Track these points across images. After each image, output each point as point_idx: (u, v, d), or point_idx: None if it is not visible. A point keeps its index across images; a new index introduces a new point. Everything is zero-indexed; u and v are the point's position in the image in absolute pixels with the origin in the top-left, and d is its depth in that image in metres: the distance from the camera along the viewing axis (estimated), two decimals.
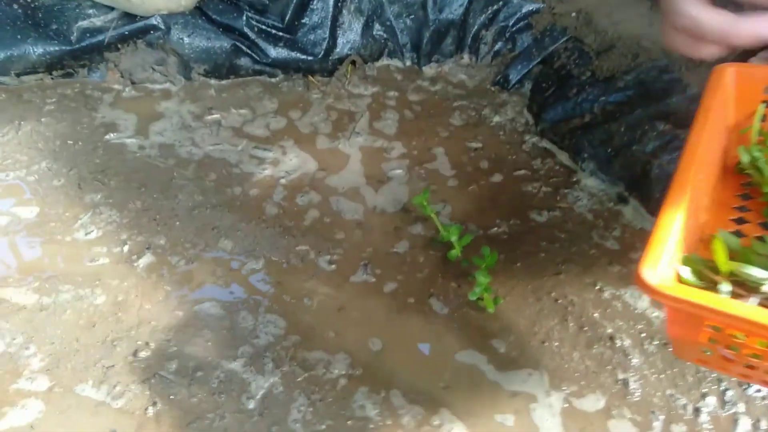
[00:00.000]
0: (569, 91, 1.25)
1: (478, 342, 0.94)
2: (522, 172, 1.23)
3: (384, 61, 1.44)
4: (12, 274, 0.95)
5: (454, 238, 1.02)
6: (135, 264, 0.99)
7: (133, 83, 1.31)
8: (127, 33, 1.25)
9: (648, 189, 1.11)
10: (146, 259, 1.00)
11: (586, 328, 0.96)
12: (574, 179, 1.21)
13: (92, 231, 1.03)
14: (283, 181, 1.16)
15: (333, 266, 1.02)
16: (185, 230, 1.05)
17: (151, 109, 1.27)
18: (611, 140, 1.17)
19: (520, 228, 1.12)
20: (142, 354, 0.87)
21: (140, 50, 1.29)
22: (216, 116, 1.27)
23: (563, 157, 1.26)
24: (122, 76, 1.30)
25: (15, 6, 1.23)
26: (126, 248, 1.01)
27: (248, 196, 1.12)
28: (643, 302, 1.00)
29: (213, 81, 1.34)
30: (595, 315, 0.98)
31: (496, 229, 1.11)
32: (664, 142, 1.10)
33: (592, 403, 0.88)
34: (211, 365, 0.87)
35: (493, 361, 0.92)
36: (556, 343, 0.94)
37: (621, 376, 0.91)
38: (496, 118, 1.34)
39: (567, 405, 0.88)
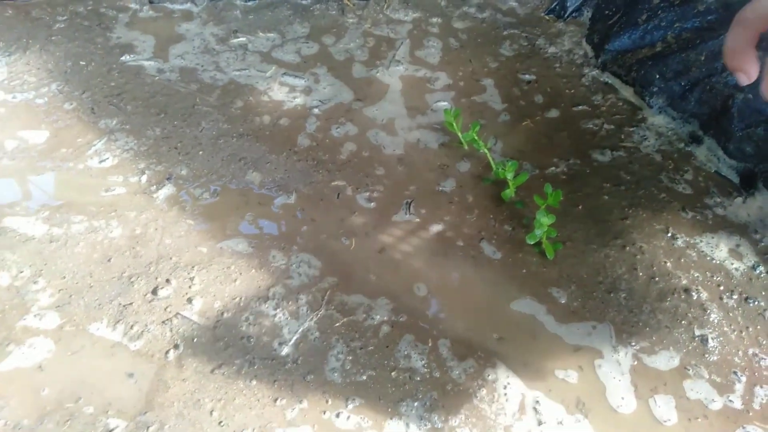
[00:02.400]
0: (638, 17, 1.11)
1: (535, 290, 0.84)
2: (581, 107, 1.10)
3: None
4: (19, 201, 0.86)
5: (509, 176, 0.91)
6: (154, 195, 0.89)
7: (151, 2, 1.19)
8: None
9: (727, 126, 0.98)
10: (166, 190, 0.90)
11: (657, 279, 0.85)
12: (640, 116, 1.08)
13: (107, 158, 0.93)
14: (316, 110, 1.04)
15: (372, 204, 0.92)
16: (209, 160, 0.94)
17: (171, 30, 1.15)
18: (687, 71, 1.03)
19: (580, 168, 1.00)
20: (163, 292, 0.78)
21: None
22: (242, 40, 1.15)
23: (627, 92, 1.12)
24: None
25: None
26: (144, 178, 0.91)
27: (278, 125, 1.01)
28: (721, 252, 0.89)
29: (238, 2, 1.21)
30: (668, 264, 0.87)
31: (553, 168, 1.00)
32: None
33: (665, 360, 0.78)
34: (238, 306, 0.78)
35: (552, 311, 0.82)
36: (624, 294, 0.84)
37: (698, 332, 0.80)
38: (551, 49, 1.20)
39: (636, 362, 0.78)
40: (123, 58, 1.08)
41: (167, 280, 0.80)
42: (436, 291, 0.83)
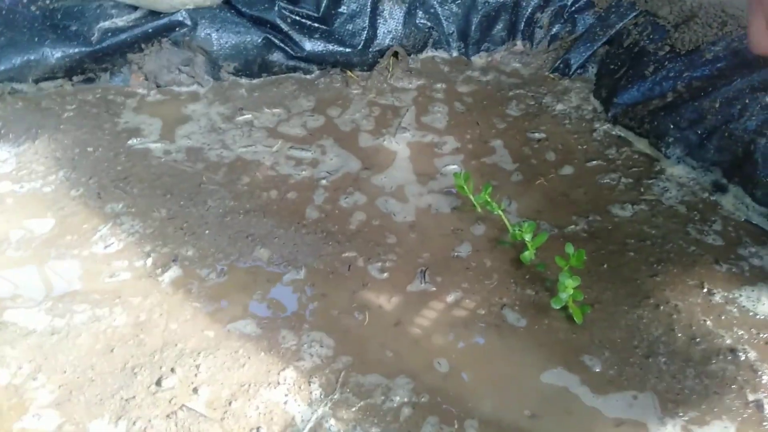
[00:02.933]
0: (645, 69, 1.10)
1: (566, 359, 0.78)
2: (595, 162, 1.07)
3: (428, 52, 1.31)
4: (22, 293, 0.83)
5: (527, 237, 0.87)
6: (159, 278, 0.86)
7: (158, 86, 1.21)
8: (151, 31, 1.16)
9: (752, 173, 0.94)
10: (172, 273, 0.87)
11: (698, 339, 0.79)
12: (657, 168, 1.05)
13: (112, 243, 0.90)
14: (323, 182, 1.02)
15: (386, 274, 0.88)
16: (216, 239, 0.92)
17: (178, 112, 1.16)
18: (702, 120, 1.00)
19: (601, 225, 0.95)
20: (167, 382, 0.74)
21: (165, 50, 1.19)
22: (248, 117, 1.15)
23: (642, 144, 1.09)
24: (146, 79, 1.20)
25: (32, 8, 1.14)
26: (149, 261, 0.88)
27: (286, 199, 0.99)
28: (764, 306, 0.83)
29: (244, 80, 1.22)
30: (708, 323, 0.81)
31: (573, 227, 0.95)
32: None
33: None
34: (248, 394, 0.73)
35: (587, 381, 0.75)
36: (664, 359, 0.77)
37: (751, 396, 0.73)
38: (559, 107, 1.19)
39: None
40: (130, 141, 1.08)
41: (172, 369, 0.75)
42: (458, 365, 0.77)
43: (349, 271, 0.88)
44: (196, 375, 0.74)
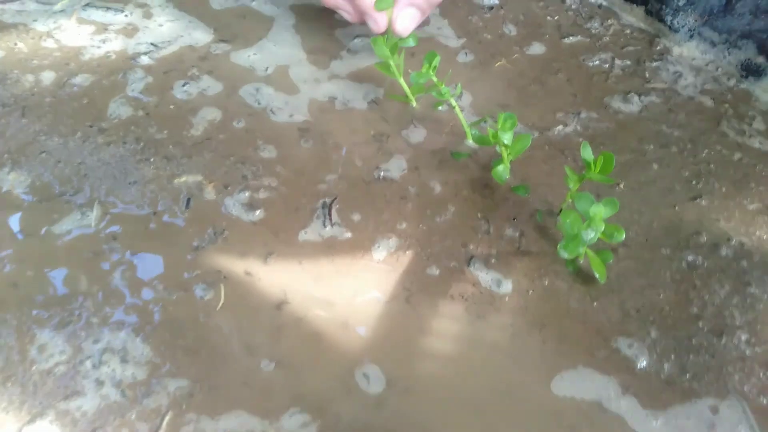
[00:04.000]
0: None
1: (591, 348, 0.43)
2: (575, 39, 0.72)
3: None
4: None
5: (506, 139, 0.50)
6: None
7: None
8: None
9: None
10: None
11: None
12: (660, 47, 0.72)
13: None
14: (145, 59, 0.59)
15: (258, 212, 0.48)
16: None
17: None
18: None
19: (600, 125, 0.61)
20: None
21: None
22: None
23: (634, 15, 0.76)
24: None
25: None
26: None
27: (70, 86, 0.55)
28: None
29: None
30: None
31: (560, 127, 0.60)
32: None
33: None
34: None
35: (632, 387, 0.42)
36: (745, 336, 0.45)
37: None
38: None
39: None
40: None
41: None
42: (401, 378, 0.40)
43: (187, 208, 0.47)
44: None
